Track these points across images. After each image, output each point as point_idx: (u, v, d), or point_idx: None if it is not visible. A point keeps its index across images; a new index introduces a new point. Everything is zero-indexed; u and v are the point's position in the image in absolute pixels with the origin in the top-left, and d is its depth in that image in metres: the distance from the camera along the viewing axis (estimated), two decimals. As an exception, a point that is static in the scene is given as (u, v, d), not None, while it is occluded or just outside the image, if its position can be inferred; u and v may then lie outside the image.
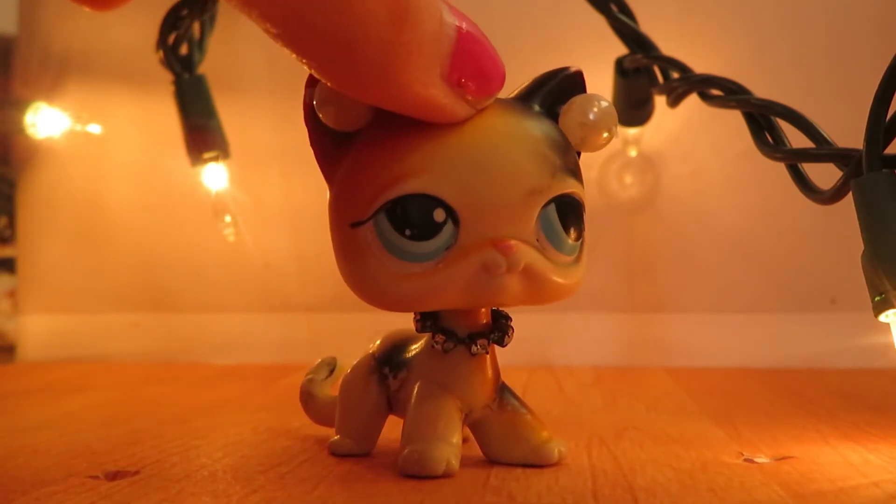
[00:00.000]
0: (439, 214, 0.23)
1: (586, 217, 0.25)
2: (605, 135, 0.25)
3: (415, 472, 0.25)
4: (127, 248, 0.63)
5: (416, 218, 0.23)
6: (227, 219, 0.55)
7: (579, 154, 0.26)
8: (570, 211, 0.24)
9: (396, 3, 0.19)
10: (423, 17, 0.20)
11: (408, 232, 0.23)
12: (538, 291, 0.24)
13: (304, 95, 0.24)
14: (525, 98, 0.25)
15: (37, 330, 0.64)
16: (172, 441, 0.31)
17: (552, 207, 0.24)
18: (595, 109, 0.25)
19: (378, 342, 0.29)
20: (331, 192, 0.25)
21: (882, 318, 0.29)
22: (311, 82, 0.24)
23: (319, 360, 0.34)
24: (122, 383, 0.50)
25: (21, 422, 0.37)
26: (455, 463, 0.25)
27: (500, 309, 0.27)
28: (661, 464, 0.27)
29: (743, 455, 0.28)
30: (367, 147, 0.24)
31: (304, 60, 0.21)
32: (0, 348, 0.63)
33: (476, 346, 0.26)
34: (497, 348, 0.27)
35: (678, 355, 0.57)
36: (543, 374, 0.52)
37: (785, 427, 0.34)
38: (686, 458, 0.28)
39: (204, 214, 0.57)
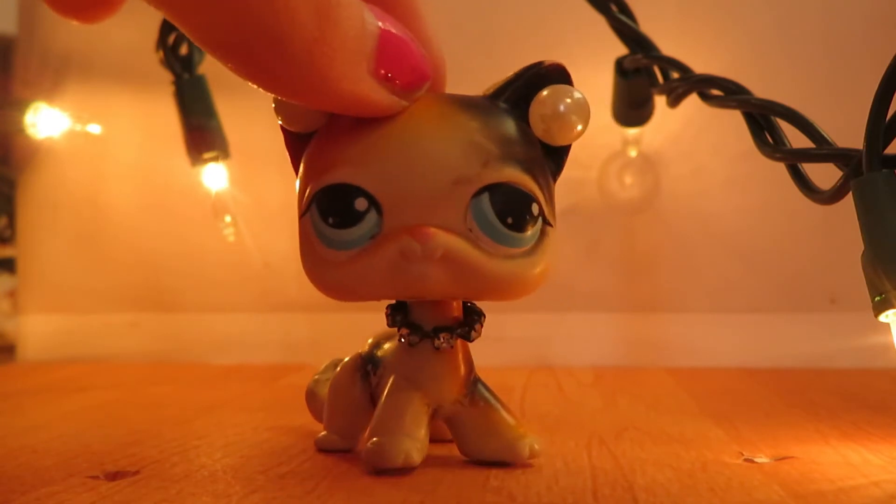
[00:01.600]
0: (360, 203, 0.23)
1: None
2: (569, 127, 0.25)
3: (374, 463, 0.26)
4: (127, 248, 0.63)
5: (337, 206, 0.24)
6: (227, 219, 0.55)
7: (560, 150, 0.26)
8: (509, 201, 0.24)
9: (320, 1, 0.20)
10: (345, 14, 0.21)
11: (330, 220, 0.24)
12: (470, 282, 0.24)
13: (273, 101, 0.25)
14: (496, 95, 0.25)
15: (37, 330, 0.64)
16: (172, 441, 0.31)
17: (485, 197, 0.23)
18: (560, 102, 0.25)
19: (370, 341, 0.30)
20: None
21: (882, 318, 0.29)
22: None
23: (328, 361, 0.34)
24: (122, 383, 0.49)
25: (21, 422, 0.37)
26: (416, 456, 0.25)
27: (474, 304, 0.27)
28: (661, 464, 0.27)
29: (743, 455, 0.28)
30: (315, 146, 0.25)
31: (231, 66, 0.21)
32: (0, 348, 0.63)
33: (439, 339, 0.26)
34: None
35: (678, 355, 0.57)
36: (543, 374, 0.51)
37: (785, 427, 0.34)
38: (686, 458, 0.28)
39: (204, 214, 0.57)
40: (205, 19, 0.20)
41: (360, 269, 0.24)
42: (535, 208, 0.24)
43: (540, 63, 0.25)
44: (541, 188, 0.25)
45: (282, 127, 0.26)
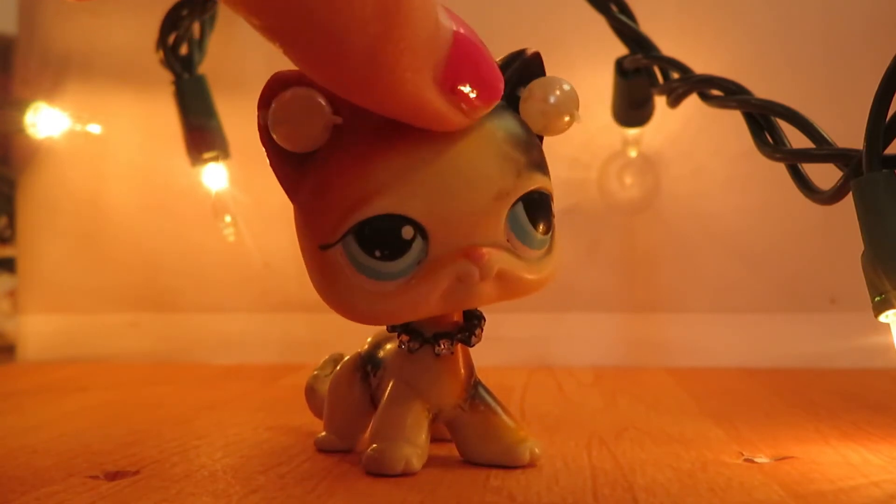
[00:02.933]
0: (407, 232, 0.23)
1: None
2: (567, 118, 0.25)
3: (374, 469, 0.26)
4: (127, 248, 0.63)
5: (384, 238, 0.23)
6: (227, 219, 0.55)
7: (541, 139, 0.26)
8: (537, 206, 0.24)
9: None
10: (416, 15, 0.19)
11: (377, 253, 0.23)
12: (513, 290, 0.24)
13: (258, 117, 0.23)
14: None
15: (37, 330, 0.64)
16: (172, 441, 0.31)
17: (520, 206, 0.24)
18: (555, 94, 0.24)
19: (369, 340, 0.30)
20: (296, 212, 0.25)
21: (882, 318, 0.29)
22: (264, 104, 0.23)
23: (327, 356, 0.34)
24: (122, 383, 0.49)
25: (21, 422, 0.37)
26: (416, 463, 0.26)
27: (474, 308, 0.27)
28: (661, 464, 0.27)
29: (743, 455, 0.28)
30: (328, 168, 0.23)
31: (291, 55, 0.20)
32: (0, 348, 0.63)
33: (440, 345, 0.26)
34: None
35: (678, 355, 0.57)
36: (543, 374, 0.51)
37: (785, 427, 0.34)
38: (686, 458, 0.28)
39: (204, 214, 0.57)
40: (263, 5, 0.18)
41: (413, 297, 0.23)
42: (553, 207, 0.25)
43: (522, 52, 0.25)
44: (550, 183, 0.25)
45: (269, 148, 0.24)
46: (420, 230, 0.23)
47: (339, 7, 0.18)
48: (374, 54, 0.19)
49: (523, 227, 0.24)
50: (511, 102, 0.25)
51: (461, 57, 0.21)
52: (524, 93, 0.25)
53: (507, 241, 0.24)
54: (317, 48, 0.19)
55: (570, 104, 0.25)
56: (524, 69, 0.25)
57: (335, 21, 0.18)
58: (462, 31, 0.21)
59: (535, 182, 0.24)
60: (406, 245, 0.23)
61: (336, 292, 0.24)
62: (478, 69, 0.21)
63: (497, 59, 0.24)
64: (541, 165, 0.24)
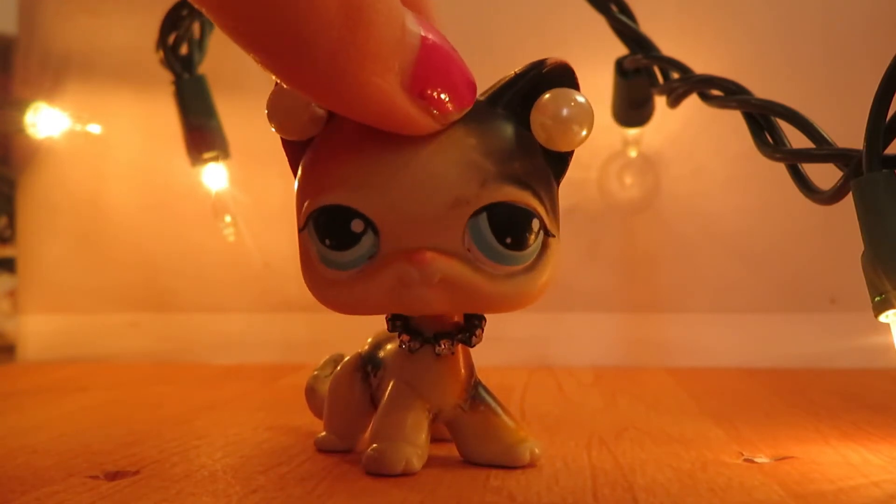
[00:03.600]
0: (357, 225, 0.23)
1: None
2: (573, 134, 0.24)
3: (374, 469, 0.26)
4: (127, 248, 0.63)
5: (334, 228, 0.23)
6: (227, 219, 0.55)
7: (563, 153, 0.25)
8: (508, 220, 0.23)
9: (349, 1, 0.19)
10: (380, 19, 0.19)
11: (328, 241, 0.24)
12: (470, 302, 0.24)
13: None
14: (494, 98, 0.24)
15: (37, 330, 0.64)
16: (172, 441, 0.31)
17: (483, 217, 0.23)
18: (563, 108, 0.24)
19: (370, 340, 0.30)
20: None
21: (882, 318, 0.29)
22: None
23: (327, 356, 0.34)
24: (122, 383, 0.49)
25: (21, 422, 0.37)
26: (416, 463, 0.26)
27: None
28: (661, 464, 0.27)
29: (743, 455, 0.28)
30: (309, 158, 0.25)
31: (257, 58, 0.20)
32: (0, 348, 0.63)
33: (440, 346, 0.26)
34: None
35: (678, 355, 0.57)
36: (543, 374, 0.51)
37: (785, 427, 0.34)
38: (686, 458, 0.28)
39: (204, 214, 0.57)
40: (228, 7, 0.19)
41: (360, 291, 0.24)
42: (535, 224, 0.24)
43: (542, 63, 0.24)
44: (541, 200, 0.24)
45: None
46: (371, 226, 0.23)
47: (302, 11, 0.18)
48: (338, 58, 0.19)
49: (486, 239, 0.23)
50: (520, 114, 0.24)
51: (429, 61, 0.21)
52: (535, 104, 0.24)
53: (469, 251, 0.23)
54: (281, 52, 0.19)
55: (577, 119, 0.24)
56: (544, 80, 0.24)
57: (299, 24, 0.18)
58: (431, 36, 0.21)
59: (504, 194, 0.23)
60: (354, 238, 0.23)
61: (305, 275, 0.25)
62: (447, 74, 0.21)
63: (517, 68, 0.24)
64: (522, 178, 0.23)
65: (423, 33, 0.21)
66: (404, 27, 0.20)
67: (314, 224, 0.24)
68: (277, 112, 0.24)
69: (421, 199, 0.23)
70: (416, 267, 0.23)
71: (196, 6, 0.19)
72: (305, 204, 0.24)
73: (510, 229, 0.23)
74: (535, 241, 0.24)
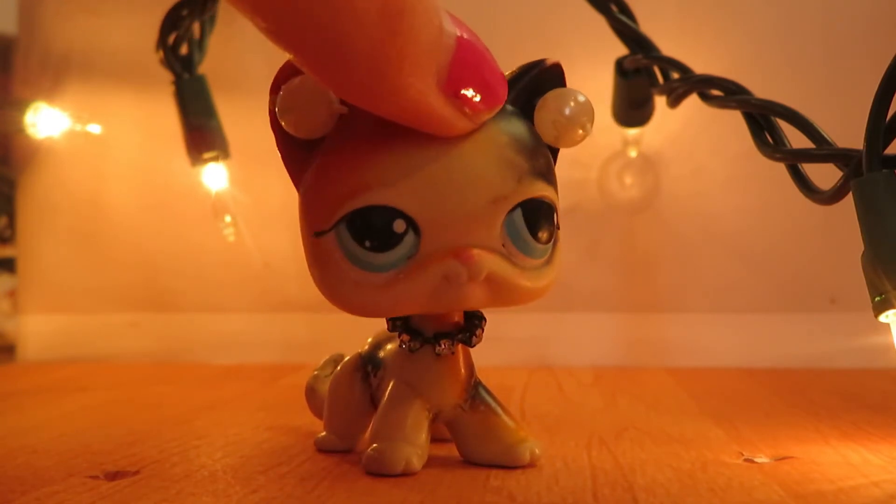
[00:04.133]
0: (399, 226, 0.23)
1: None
2: (581, 132, 0.25)
3: (374, 469, 0.26)
4: (127, 248, 0.63)
5: (375, 229, 0.23)
6: (227, 219, 0.55)
7: (556, 151, 0.26)
8: (538, 215, 0.24)
9: (388, 1, 0.19)
10: (419, 21, 0.19)
11: (368, 243, 0.23)
12: (505, 296, 0.24)
13: (269, 102, 0.24)
14: None
15: (37, 330, 0.64)
16: (172, 441, 0.31)
17: (518, 213, 0.24)
18: (569, 106, 0.24)
19: (370, 340, 0.30)
20: (299, 199, 0.25)
21: (882, 318, 0.29)
22: (275, 88, 0.24)
23: (327, 356, 0.34)
24: (122, 383, 0.50)
25: (21, 422, 0.37)
26: (416, 463, 0.26)
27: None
28: (661, 464, 0.27)
29: (743, 455, 0.28)
30: (330, 156, 0.24)
31: (296, 58, 0.20)
32: (0, 348, 0.63)
33: (440, 346, 0.26)
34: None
35: (678, 355, 0.57)
36: (543, 374, 0.51)
37: (785, 427, 0.34)
38: (686, 458, 0.28)
39: (204, 214, 0.57)
40: (268, 7, 0.18)
41: (401, 292, 0.23)
42: (555, 217, 0.25)
43: (541, 62, 0.25)
44: (556, 195, 0.25)
45: (278, 133, 0.24)
46: (412, 225, 0.23)
47: (342, 11, 0.18)
48: (377, 59, 0.19)
49: (520, 233, 0.24)
50: (525, 111, 0.25)
51: (464, 62, 0.21)
52: (539, 102, 0.25)
53: (503, 246, 0.24)
54: (320, 52, 0.19)
55: (584, 117, 0.25)
56: (542, 79, 0.25)
57: (338, 25, 0.18)
58: (465, 36, 0.21)
59: (537, 190, 0.24)
60: (397, 238, 0.23)
61: (327, 280, 0.24)
62: (481, 74, 0.22)
63: (515, 67, 0.25)
64: (545, 175, 0.24)
65: (458, 33, 0.21)
66: (441, 28, 0.20)
67: (349, 226, 0.23)
68: (292, 109, 0.23)
69: (462, 198, 0.23)
70: (465, 263, 0.23)
71: (237, 9, 0.19)
72: (331, 206, 0.23)
73: (540, 223, 0.24)
74: (553, 234, 0.25)
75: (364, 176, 0.23)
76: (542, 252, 0.24)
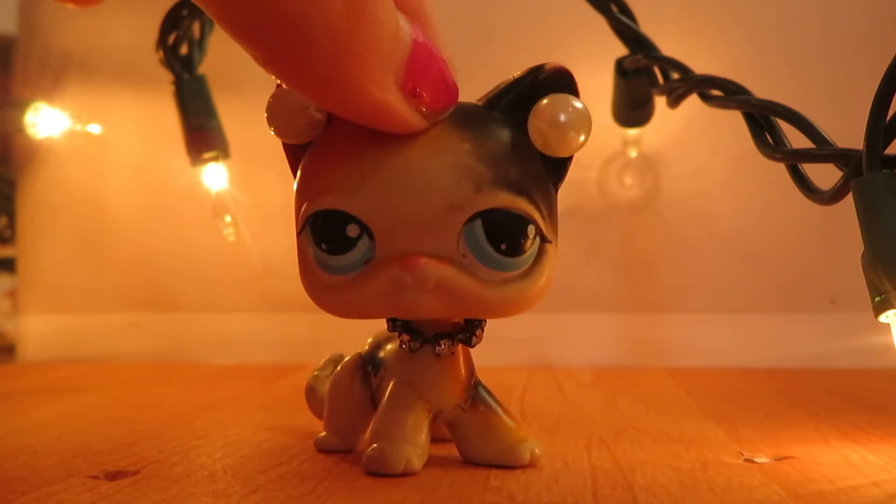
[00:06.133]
0: (353, 230, 0.23)
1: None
2: (574, 140, 0.24)
3: (375, 469, 0.26)
4: (127, 248, 0.63)
5: (330, 233, 0.24)
6: (227, 219, 0.55)
7: (565, 160, 0.25)
8: (503, 226, 0.23)
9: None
10: (380, 17, 0.20)
11: (324, 245, 0.24)
12: (465, 307, 0.24)
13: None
14: (492, 103, 0.24)
15: (37, 330, 0.64)
16: (172, 441, 0.31)
17: (478, 223, 0.23)
18: (560, 113, 0.23)
19: (370, 340, 0.30)
20: None
21: (882, 318, 0.29)
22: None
23: (327, 356, 0.34)
24: (122, 383, 0.49)
25: (21, 422, 0.37)
26: (416, 463, 0.26)
27: None
28: (661, 464, 0.27)
29: (743, 455, 0.28)
30: (308, 161, 0.25)
31: (257, 54, 0.20)
32: (0, 348, 0.63)
33: (440, 346, 0.26)
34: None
35: (678, 355, 0.57)
36: (543, 374, 0.51)
37: (785, 427, 0.34)
38: (686, 458, 0.28)
39: (204, 214, 0.57)
40: (232, 8, 0.18)
41: (355, 295, 0.24)
42: (530, 230, 0.24)
43: (540, 68, 0.24)
44: (538, 207, 0.24)
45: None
46: (366, 230, 0.23)
47: (307, 9, 0.18)
48: (341, 53, 0.19)
49: (480, 245, 0.23)
50: (518, 118, 0.24)
51: (420, 60, 0.21)
52: (532, 108, 0.24)
53: (464, 256, 0.23)
54: (283, 49, 0.19)
55: (573, 126, 0.24)
56: (541, 85, 0.24)
57: (303, 18, 0.18)
58: (419, 36, 0.22)
59: (500, 200, 0.23)
60: (350, 242, 0.23)
61: (303, 278, 0.25)
62: (435, 72, 0.22)
63: (514, 71, 0.24)
64: (518, 184, 0.23)
65: (412, 33, 0.21)
66: (398, 25, 0.21)
67: (311, 228, 0.24)
68: (277, 115, 0.24)
69: (415, 204, 0.23)
70: (410, 272, 0.23)
71: (200, 6, 0.19)
72: (303, 208, 0.24)
73: (505, 235, 0.23)
74: (530, 248, 0.24)
75: (325, 180, 0.24)
76: (512, 265, 0.24)
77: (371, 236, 0.23)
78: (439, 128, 0.23)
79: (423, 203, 0.23)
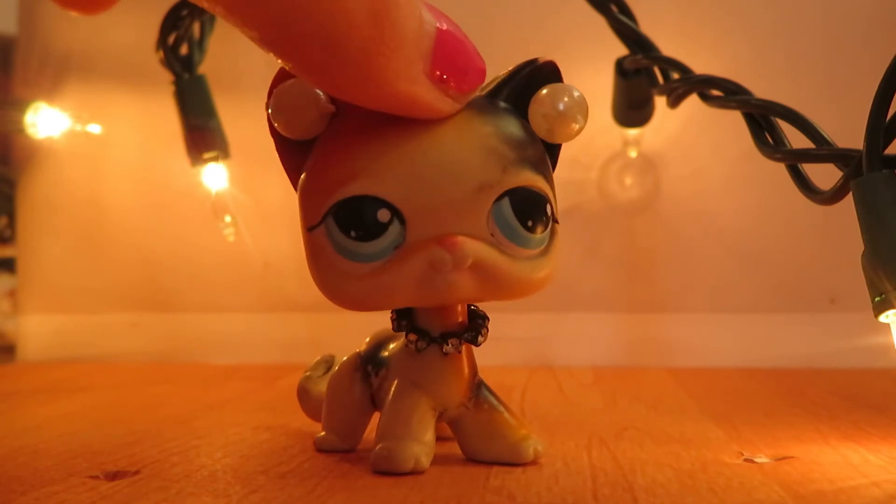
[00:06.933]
0: (383, 215, 0.23)
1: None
2: (573, 125, 0.25)
3: (384, 468, 0.26)
4: (127, 248, 0.63)
5: (360, 219, 0.23)
6: (227, 219, 0.55)
7: (555, 146, 0.26)
8: (527, 204, 0.24)
9: (375, 1, 0.20)
10: (403, 14, 0.21)
11: (353, 233, 0.23)
12: (496, 287, 0.24)
13: (266, 105, 0.25)
14: (493, 94, 0.25)
15: (37, 330, 0.64)
16: (172, 441, 0.31)
17: (505, 201, 0.24)
18: (561, 100, 0.25)
19: (367, 340, 0.30)
20: (298, 200, 0.25)
21: (882, 318, 0.29)
22: (271, 93, 0.24)
23: (318, 357, 0.34)
24: (122, 383, 0.49)
25: (21, 422, 0.37)
26: (424, 461, 0.26)
27: (477, 308, 0.27)
28: (661, 464, 0.27)
29: (743, 455, 0.28)
30: (320, 154, 0.24)
31: (289, 64, 0.21)
32: (0, 348, 0.63)
33: (448, 345, 0.26)
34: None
35: (678, 355, 0.57)
36: (543, 374, 0.51)
37: (785, 427, 0.34)
38: (686, 458, 0.28)
39: (204, 214, 0.57)
40: (259, 19, 0.19)
41: (387, 281, 0.24)
42: (548, 208, 0.25)
43: (534, 60, 0.25)
44: (550, 187, 0.25)
45: (275, 135, 0.25)
46: (397, 214, 0.23)
47: (333, 16, 0.19)
48: (369, 55, 0.20)
49: (509, 222, 0.24)
50: (518, 108, 0.25)
51: (446, 48, 0.22)
52: (532, 98, 0.25)
53: (493, 235, 0.24)
54: (313, 56, 0.20)
55: (576, 111, 0.25)
56: (535, 76, 0.25)
57: (330, 29, 0.19)
58: (443, 23, 0.22)
59: (524, 179, 0.24)
60: (381, 227, 0.23)
61: (320, 274, 0.25)
62: (464, 56, 0.23)
63: (510, 67, 0.25)
64: (535, 164, 0.24)
65: (436, 20, 0.22)
66: (422, 18, 0.21)
67: (336, 217, 0.24)
68: (284, 110, 0.24)
69: (446, 186, 0.23)
70: (449, 250, 0.23)
71: (231, 23, 0.20)
72: (320, 200, 0.24)
73: (530, 213, 0.24)
74: (547, 226, 0.25)
75: (349, 168, 0.23)
76: (536, 242, 0.24)
77: (402, 221, 0.23)
78: (460, 113, 0.24)
79: (455, 185, 0.23)
